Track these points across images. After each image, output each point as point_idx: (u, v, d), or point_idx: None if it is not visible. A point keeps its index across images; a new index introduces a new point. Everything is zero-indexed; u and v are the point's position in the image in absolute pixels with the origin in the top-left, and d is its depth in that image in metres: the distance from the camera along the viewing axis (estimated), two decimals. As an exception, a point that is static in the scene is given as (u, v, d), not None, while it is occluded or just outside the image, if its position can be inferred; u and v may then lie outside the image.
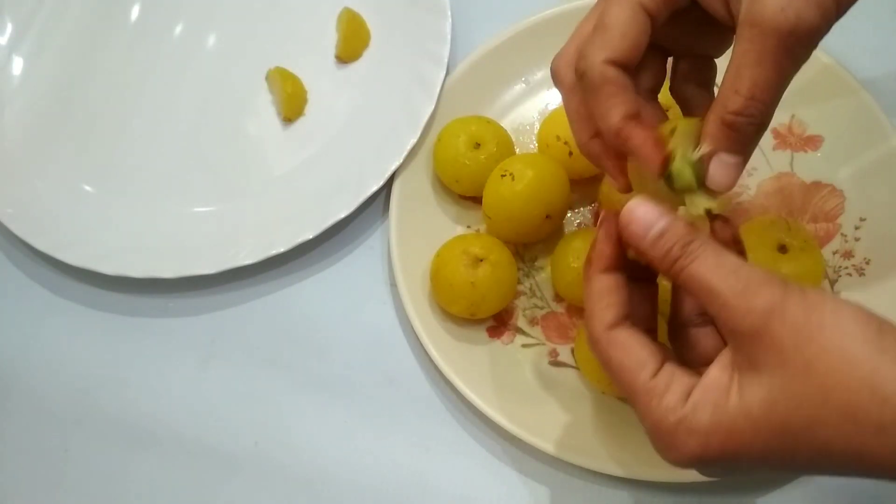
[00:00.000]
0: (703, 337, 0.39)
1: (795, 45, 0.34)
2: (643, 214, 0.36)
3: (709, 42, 0.41)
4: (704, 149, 0.37)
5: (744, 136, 0.36)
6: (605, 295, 0.38)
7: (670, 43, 0.41)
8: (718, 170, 0.37)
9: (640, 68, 0.41)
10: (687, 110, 0.42)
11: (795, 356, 0.31)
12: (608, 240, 0.38)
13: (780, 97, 0.36)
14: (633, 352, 0.36)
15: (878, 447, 0.30)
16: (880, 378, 0.30)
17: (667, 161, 0.38)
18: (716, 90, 0.42)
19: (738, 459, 0.33)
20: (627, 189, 0.41)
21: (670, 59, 0.43)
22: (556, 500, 0.50)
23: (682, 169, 0.37)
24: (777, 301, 0.32)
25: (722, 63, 0.42)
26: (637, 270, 0.39)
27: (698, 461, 0.34)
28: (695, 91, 0.42)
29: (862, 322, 0.31)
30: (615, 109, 0.38)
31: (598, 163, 0.42)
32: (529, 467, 0.50)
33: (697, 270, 0.34)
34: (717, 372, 0.34)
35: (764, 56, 0.34)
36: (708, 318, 0.38)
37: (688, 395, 0.34)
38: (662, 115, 0.42)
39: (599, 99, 0.39)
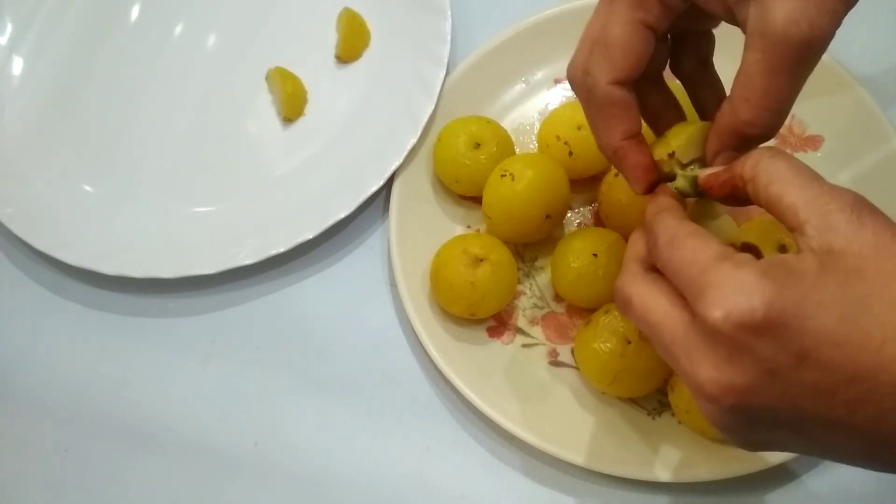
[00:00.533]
0: None
1: (807, 55, 0.35)
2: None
3: (705, 20, 0.41)
4: (701, 170, 0.38)
5: (755, 143, 0.37)
6: (672, 202, 0.38)
7: (671, 27, 0.42)
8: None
9: None
10: (689, 87, 0.43)
11: (886, 249, 0.31)
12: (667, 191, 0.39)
13: (792, 103, 0.36)
14: (701, 231, 0.35)
15: None
16: None
17: (651, 187, 0.40)
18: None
19: (806, 326, 0.30)
20: (647, 191, 0.41)
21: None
22: (556, 500, 0.50)
23: (684, 187, 0.39)
24: (863, 199, 0.32)
25: (721, 63, 0.43)
26: None
27: (765, 311, 0.30)
28: (695, 67, 0.43)
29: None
30: (615, 129, 0.40)
31: (622, 164, 0.41)
32: (529, 467, 0.50)
33: (780, 166, 0.34)
34: (789, 254, 0.33)
35: (774, 67, 0.35)
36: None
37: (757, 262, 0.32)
38: (668, 96, 0.43)
39: (603, 117, 0.40)
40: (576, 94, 0.41)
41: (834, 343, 0.30)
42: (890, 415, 0.30)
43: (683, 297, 0.33)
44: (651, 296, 0.35)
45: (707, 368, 0.32)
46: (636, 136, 0.40)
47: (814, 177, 0.34)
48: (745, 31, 0.35)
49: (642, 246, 0.38)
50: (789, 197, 0.33)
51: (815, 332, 0.30)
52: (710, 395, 0.32)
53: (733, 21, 0.37)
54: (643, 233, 0.38)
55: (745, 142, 0.37)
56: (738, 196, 0.36)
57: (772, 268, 0.31)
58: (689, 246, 0.34)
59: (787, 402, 0.31)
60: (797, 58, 0.34)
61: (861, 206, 0.32)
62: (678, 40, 0.43)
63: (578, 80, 0.40)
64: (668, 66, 0.43)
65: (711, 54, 0.43)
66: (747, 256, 0.32)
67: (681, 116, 0.44)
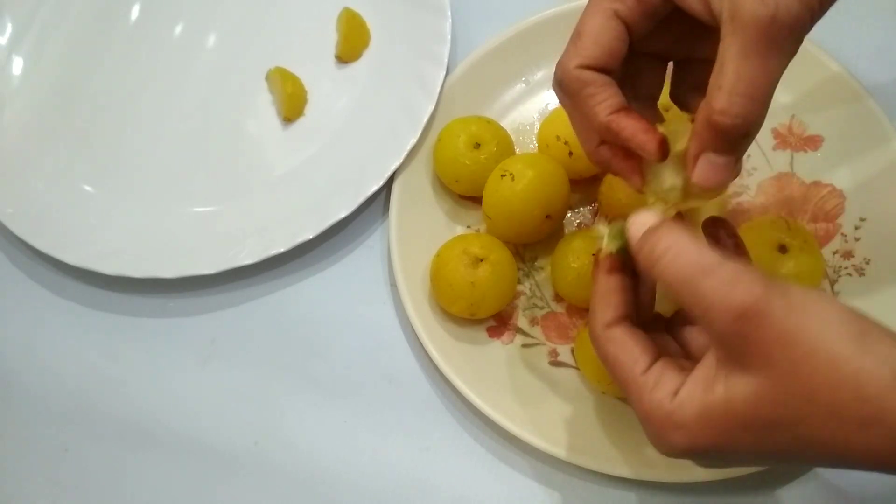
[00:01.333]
0: (697, 334, 0.41)
1: (777, 37, 0.33)
2: (638, 220, 0.37)
3: (702, 46, 0.41)
4: (691, 149, 0.37)
5: (731, 135, 0.35)
6: (606, 295, 0.39)
7: (664, 49, 0.42)
8: (705, 170, 0.37)
9: (637, 76, 0.42)
10: (687, 113, 0.43)
11: (780, 359, 0.31)
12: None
13: (770, 93, 0.35)
14: (627, 348, 0.37)
15: (862, 441, 0.31)
16: (863, 378, 0.30)
17: (664, 143, 0.38)
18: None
19: (728, 452, 0.34)
20: (643, 187, 0.41)
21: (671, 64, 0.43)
22: (556, 500, 0.50)
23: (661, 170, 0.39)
24: (760, 303, 0.32)
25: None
26: None
27: (688, 453, 0.35)
28: (692, 94, 0.42)
29: (845, 323, 0.31)
30: (600, 107, 0.39)
31: (611, 168, 0.42)
32: (529, 467, 0.50)
33: (676, 269, 0.34)
34: (703, 370, 0.34)
35: (746, 49, 0.34)
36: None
37: (676, 391, 0.35)
38: (660, 119, 0.42)
39: (583, 101, 0.39)
40: (556, 94, 0.41)
41: (757, 456, 0.34)
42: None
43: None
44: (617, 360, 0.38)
45: (659, 446, 0.36)
46: (625, 107, 0.39)
47: (707, 272, 0.33)
48: (720, 17, 0.35)
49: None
50: (687, 307, 0.35)
51: (736, 452, 0.34)
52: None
53: (712, 19, 0.36)
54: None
55: (723, 138, 0.35)
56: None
57: (684, 411, 0.34)
58: (617, 375, 0.38)
59: (741, 454, 0.35)
60: (767, 39, 0.33)
61: (749, 314, 0.32)
62: (678, 67, 0.43)
63: (555, 77, 0.41)
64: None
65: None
66: (663, 398, 0.35)
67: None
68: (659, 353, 0.37)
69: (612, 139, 0.39)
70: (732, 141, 0.36)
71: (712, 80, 0.35)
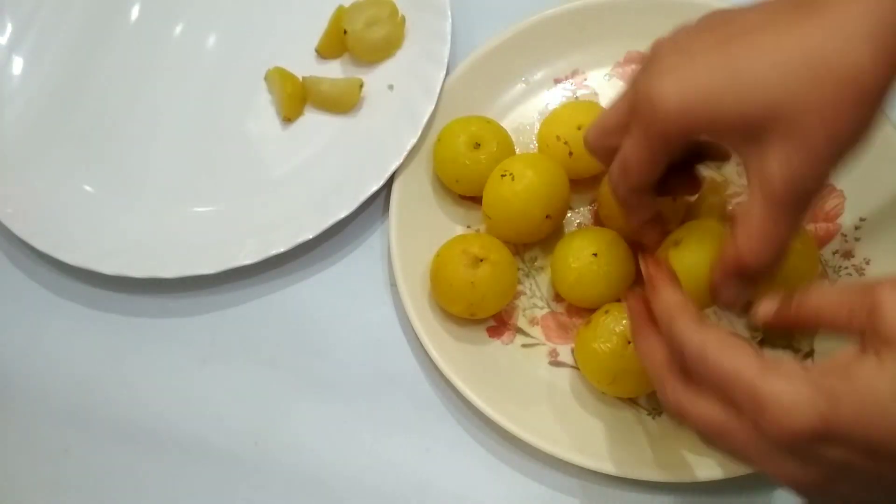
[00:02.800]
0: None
1: (804, 202, 0.38)
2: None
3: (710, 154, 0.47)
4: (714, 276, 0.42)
5: (750, 278, 0.40)
6: (683, 300, 0.38)
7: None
8: (729, 294, 0.41)
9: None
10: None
11: None
12: (657, 262, 0.41)
13: (789, 241, 0.39)
14: (731, 338, 0.35)
15: None
16: None
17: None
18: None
19: (869, 429, 0.31)
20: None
21: None
22: (556, 500, 0.50)
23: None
24: None
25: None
26: None
27: (824, 426, 0.31)
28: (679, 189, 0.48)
29: None
30: (633, 217, 0.47)
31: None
32: (529, 467, 0.50)
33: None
34: (842, 354, 0.32)
35: (776, 210, 0.37)
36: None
37: (806, 369, 0.32)
38: (654, 206, 0.47)
39: (623, 204, 0.46)
40: (593, 156, 0.46)
41: None
42: None
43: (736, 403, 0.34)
44: (703, 405, 0.35)
45: (789, 469, 0.33)
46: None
47: None
48: (748, 175, 0.39)
49: (664, 351, 0.38)
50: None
51: (879, 430, 0.30)
52: (798, 485, 0.34)
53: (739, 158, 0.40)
54: (659, 336, 0.39)
55: (745, 274, 0.40)
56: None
57: (823, 377, 0.32)
58: (727, 359, 0.34)
59: (864, 485, 0.32)
60: (795, 205, 0.38)
61: None
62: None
63: (595, 146, 0.46)
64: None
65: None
66: (794, 367, 0.33)
67: (663, 231, 0.48)
68: None
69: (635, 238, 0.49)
70: (751, 279, 0.40)
71: (741, 228, 0.39)
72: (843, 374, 0.31)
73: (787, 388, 0.32)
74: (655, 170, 0.42)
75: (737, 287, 0.41)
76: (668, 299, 0.38)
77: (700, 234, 0.46)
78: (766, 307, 0.37)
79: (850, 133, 0.37)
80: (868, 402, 0.30)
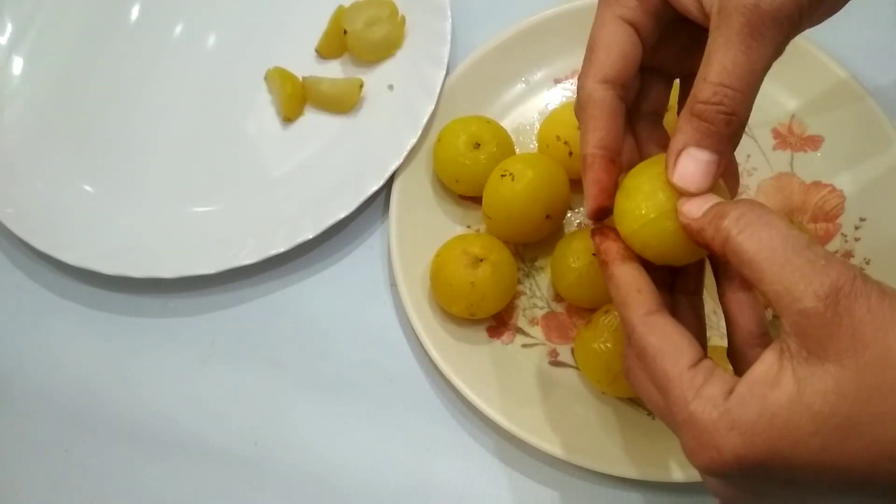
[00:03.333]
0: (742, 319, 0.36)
1: (761, 25, 0.33)
2: (695, 200, 0.35)
3: (681, 39, 0.40)
4: (672, 145, 0.35)
5: (716, 129, 0.34)
6: (636, 282, 0.36)
7: (670, 64, 0.41)
8: (688, 166, 0.35)
9: (642, 92, 0.41)
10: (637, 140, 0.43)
11: (874, 344, 0.28)
12: (606, 236, 0.38)
13: (755, 84, 0.34)
14: (672, 338, 0.34)
15: None
16: None
17: (600, 212, 0.38)
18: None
19: (787, 461, 0.30)
20: (594, 216, 0.39)
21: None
22: (556, 500, 0.50)
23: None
24: (856, 281, 0.29)
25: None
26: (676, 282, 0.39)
27: (738, 463, 0.30)
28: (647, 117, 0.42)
29: None
30: (590, 134, 0.38)
31: (584, 176, 0.40)
32: (529, 467, 0.50)
33: (765, 240, 0.31)
34: (763, 367, 0.31)
35: (730, 38, 0.33)
36: (765, 340, 0.35)
37: (731, 390, 0.31)
38: (665, 138, 0.42)
39: (583, 119, 0.39)
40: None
41: (820, 469, 0.29)
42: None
43: None
44: (648, 385, 0.35)
45: (710, 482, 0.33)
46: (610, 150, 0.38)
47: (796, 248, 0.30)
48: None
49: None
50: (764, 284, 0.31)
51: (797, 464, 0.30)
52: (721, 499, 0.34)
53: (705, 19, 0.35)
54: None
55: (707, 130, 0.34)
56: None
57: (742, 407, 0.30)
58: (660, 365, 0.33)
59: (788, 500, 0.32)
60: (750, 28, 0.33)
61: (843, 293, 0.29)
62: (684, 83, 0.42)
63: (577, 88, 0.40)
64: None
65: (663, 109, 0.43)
66: (717, 393, 0.31)
67: None
68: (705, 352, 0.34)
69: (582, 169, 0.39)
70: (716, 134, 0.34)
71: (698, 74, 0.34)
72: (762, 402, 0.30)
73: (704, 418, 0.31)
74: (623, 32, 0.38)
75: (701, 158, 0.35)
76: (618, 281, 0.36)
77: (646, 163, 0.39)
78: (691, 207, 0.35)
79: None
80: (785, 438, 0.29)
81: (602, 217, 0.39)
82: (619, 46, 0.38)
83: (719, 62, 0.33)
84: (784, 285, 0.30)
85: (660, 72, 0.41)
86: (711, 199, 0.34)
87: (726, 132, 0.34)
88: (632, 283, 0.36)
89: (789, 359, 0.30)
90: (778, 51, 0.34)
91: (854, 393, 0.29)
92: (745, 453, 0.30)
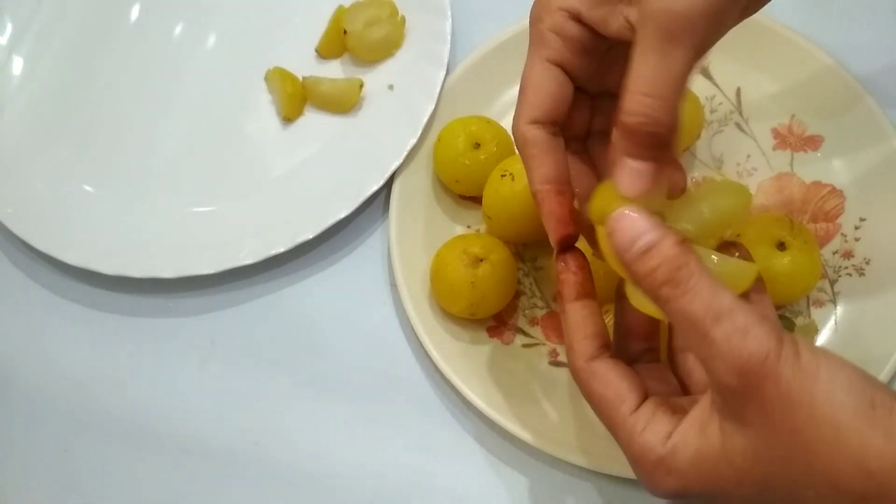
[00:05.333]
0: (698, 366, 0.38)
1: (675, 28, 0.33)
2: (631, 223, 0.34)
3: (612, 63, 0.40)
4: (610, 155, 0.35)
5: (643, 138, 0.34)
6: (582, 325, 0.38)
7: (617, 84, 0.40)
8: (624, 176, 0.35)
9: (594, 115, 0.42)
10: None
11: (782, 421, 0.30)
12: (567, 267, 0.39)
13: (677, 89, 0.34)
14: (613, 385, 0.36)
15: None
16: (868, 453, 0.29)
17: (563, 241, 0.39)
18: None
19: (720, 498, 0.33)
20: (559, 247, 0.40)
21: None
22: (556, 500, 0.50)
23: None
24: (769, 360, 0.30)
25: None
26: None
27: (678, 496, 0.34)
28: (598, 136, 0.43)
29: (856, 392, 0.30)
30: (533, 172, 0.39)
31: (540, 211, 0.40)
32: (529, 467, 0.50)
33: (686, 307, 0.32)
34: (699, 412, 0.33)
35: (647, 46, 0.33)
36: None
37: (668, 435, 0.34)
38: (589, 169, 0.42)
39: (523, 160, 0.40)
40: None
41: None
42: None
43: None
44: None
45: (648, 488, 0.36)
46: (554, 182, 0.39)
47: (717, 317, 0.31)
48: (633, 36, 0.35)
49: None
50: (688, 349, 0.34)
51: (730, 500, 0.33)
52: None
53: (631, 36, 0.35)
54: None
55: (634, 140, 0.34)
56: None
57: (675, 456, 0.33)
58: (603, 414, 0.36)
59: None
60: (664, 33, 0.33)
61: (753, 374, 0.31)
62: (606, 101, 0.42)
63: (512, 130, 0.41)
64: None
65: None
66: (654, 440, 0.34)
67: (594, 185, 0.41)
68: (647, 391, 0.36)
69: (537, 206, 0.40)
70: (644, 143, 0.34)
71: (623, 86, 0.34)
72: (693, 452, 0.33)
73: (645, 462, 0.34)
74: (550, 75, 0.39)
75: (636, 167, 0.35)
76: (567, 319, 0.38)
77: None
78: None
79: None
80: (714, 484, 0.33)
81: (568, 245, 0.40)
82: (546, 88, 0.39)
83: (638, 72, 0.34)
84: (704, 356, 0.32)
85: (610, 94, 0.41)
86: (642, 226, 0.34)
87: (653, 141, 0.34)
88: (578, 326, 0.38)
89: (718, 410, 0.33)
90: (699, 52, 0.34)
91: (768, 457, 0.31)
92: (683, 492, 0.33)
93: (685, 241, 0.33)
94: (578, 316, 0.38)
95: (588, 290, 0.38)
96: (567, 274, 0.39)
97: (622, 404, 0.35)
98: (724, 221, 0.38)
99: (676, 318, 0.32)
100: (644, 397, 0.36)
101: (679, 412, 0.34)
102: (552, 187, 0.39)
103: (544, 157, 0.39)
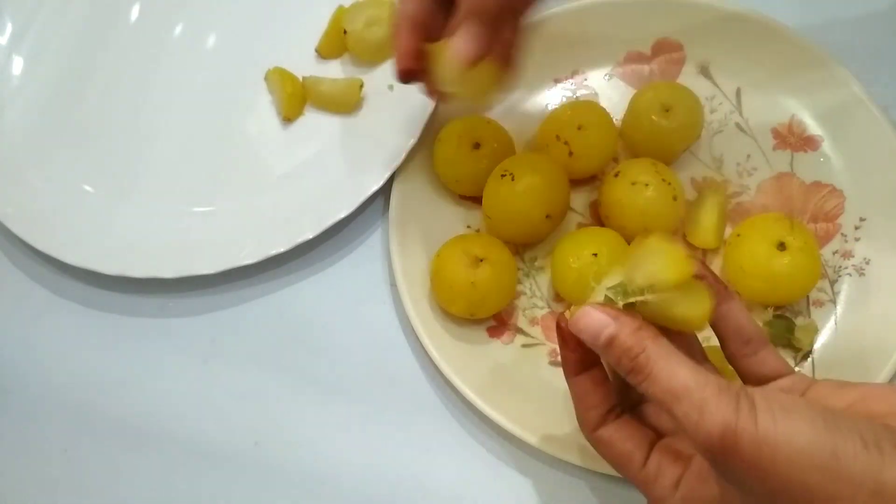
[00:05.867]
0: None
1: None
2: (591, 319, 0.37)
3: None
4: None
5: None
6: (585, 398, 0.40)
7: None
8: (460, 41, 0.43)
9: None
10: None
11: (761, 485, 0.32)
12: (566, 346, 0.40)
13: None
14: (619, 448, 0.39)
15: None
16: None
17: (405, 73, 0.45)
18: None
19: None
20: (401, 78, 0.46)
21: None
22: (556, 500, 0.50)
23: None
24: (728, 437, 0.32)
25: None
26: None
27: None
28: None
29: (816, 445, 0.31)
30: (402, 6, 0.45)
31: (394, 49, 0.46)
32: (529, 467, 0.50)
33: (649, 390, 0.35)
34: (699, 464, 0.37)
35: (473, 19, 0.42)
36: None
37: (676, 484, 0.37)
38: (443, 25, 0.46)
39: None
40: None
41: None
42: None
43: None
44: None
45: None
46: (412, 19, 0.45)
47: (691, 388, 0.34)
48: None
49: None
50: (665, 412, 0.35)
51: None
52: None
53: None
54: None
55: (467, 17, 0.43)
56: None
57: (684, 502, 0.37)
58: (620, 470, 0.40)
59: None
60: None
61: (717, 450, 0.33)
62: None
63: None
64: None
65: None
66: (666, 487, 0.38)
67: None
68: (652, 441, 0.39)
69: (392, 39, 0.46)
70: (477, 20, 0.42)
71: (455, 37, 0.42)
72: (698, 500, 0.37)
73: (666, 502, 0.38)
74: None
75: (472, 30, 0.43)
76: (572, 393, 0.41)
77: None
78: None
79: None
80: None
81: (409, 78, 0.46)
82: None
83: None
84: (680, 428, 0.36)
85: None
86: (608, 327, 0.36)
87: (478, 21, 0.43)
88: (581, 399, 0.40)
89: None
90: None
91: None
92: None
93: (641, 326, 0.36)
94: (581, 390, 0.40)
95: (588, 362, 0.40)
96: (566, 352, 0.40)
97: (630, 463, 0.39)
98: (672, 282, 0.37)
99: (648, 396, 0.35)
100: (650, 449, 0.39)
101: (683, 458, 0.38)
102: (408, 21, 0.45)
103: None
